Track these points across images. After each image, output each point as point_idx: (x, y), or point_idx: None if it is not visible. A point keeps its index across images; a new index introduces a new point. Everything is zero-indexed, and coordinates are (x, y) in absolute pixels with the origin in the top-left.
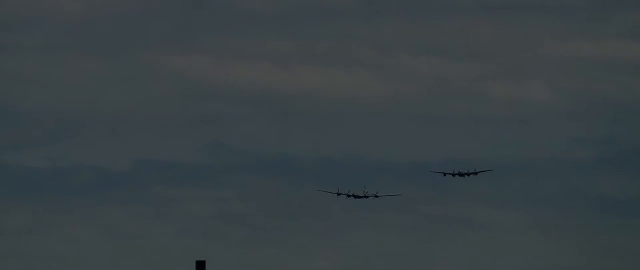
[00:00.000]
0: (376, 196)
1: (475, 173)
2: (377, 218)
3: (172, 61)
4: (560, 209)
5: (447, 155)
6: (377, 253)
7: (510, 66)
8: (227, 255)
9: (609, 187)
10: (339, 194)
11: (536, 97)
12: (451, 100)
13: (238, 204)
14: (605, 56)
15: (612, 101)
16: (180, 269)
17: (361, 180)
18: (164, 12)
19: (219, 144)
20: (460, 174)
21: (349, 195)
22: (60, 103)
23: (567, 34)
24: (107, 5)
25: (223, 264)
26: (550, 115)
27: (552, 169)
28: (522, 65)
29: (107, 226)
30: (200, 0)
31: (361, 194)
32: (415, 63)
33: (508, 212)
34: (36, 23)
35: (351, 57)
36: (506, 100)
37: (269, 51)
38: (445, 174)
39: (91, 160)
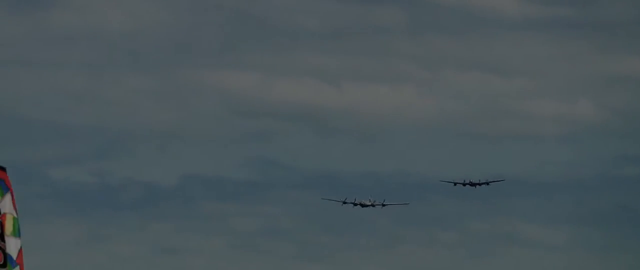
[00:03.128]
0: (384, 205)
1: (487, 183)
2: (423, 233)
3: (219, 78)
4: (606, 226)
5: (491, 171)
6: (424, 268)
7: (557, 83)
8: None
9: None
10: (344, 203)
11: (583, 115)
12: (497, 117)
13: (285, 219)
14: None
15: None
16: None
17: (405, 196)
18: (211, 29)
19: (266, 160)
20: (472, 184)
21: (355, 204)
22: (108, 119)
23: (614, 52)
24: (154, 23)
25: None
26: (596, 133)
27: (598, 186)
28: (569, 83)
29: (154, 241)
30: (246, 17)
31: (368, 203)
32: (462, 80)
33: (554, 229)
34: (85, 40)
35: (397, 74)
36: (552, 118)
37: (315, 68)
38: (455, 184)
39: (139, 176)
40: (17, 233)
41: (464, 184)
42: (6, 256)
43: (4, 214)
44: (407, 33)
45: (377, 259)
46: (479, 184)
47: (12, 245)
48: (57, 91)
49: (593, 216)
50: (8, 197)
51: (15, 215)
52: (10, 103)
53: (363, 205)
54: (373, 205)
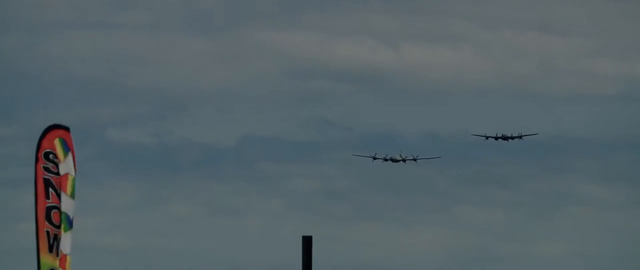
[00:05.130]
0: (415, 159)
1: (520, 137)
2: (480, 193)
3: (277, 38)
4: None
5: (551, 132)
6: (481, 228)
7: (617, 42)
8: (334, 231)
9: None
10: (375, 159)
11: None
12: (556, 77)
13: (343, 180)
14: None
15: None
16: (287, 244)
17: (464, 156)
18: None
19: (324, 121)
20: (504, 138)
21: (386, 160)
22: (166, 80)
23: None
24: None
25: (330, 239)
26: None
27: None
28: (630, 41)
29: (213, 202)
30: None
31: (399, 158)
32: (521, 40)
33: (613, 189)
34: (143, 2)
35: (456, 34)
36: (612, 77)
37: (374, 28)
38: (487, 138)
39: (197, 137)
40: (74, 194)
41: (496, 138)
42: (64, 216)
43: (65, 174)
44: None
45: (435, 218)
46: (512, 138)
47: (70, 206)
48: (117, 52)
49: None
50: (69, 157)
51: (73, 176)
52: (69, 64)
53: (394, 161)
54: (404, 160)
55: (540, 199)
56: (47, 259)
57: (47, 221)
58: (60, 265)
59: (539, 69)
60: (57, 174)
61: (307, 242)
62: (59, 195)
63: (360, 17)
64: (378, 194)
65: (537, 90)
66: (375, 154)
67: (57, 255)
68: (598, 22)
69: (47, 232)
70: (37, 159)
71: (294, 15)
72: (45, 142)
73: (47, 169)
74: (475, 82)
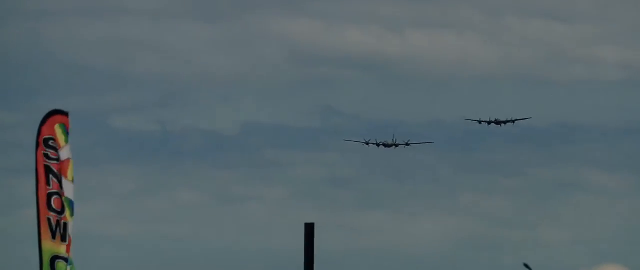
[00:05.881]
0: (407, 144)
1: (513, 121)
2: (485, 181)
3: (282, 25)
4: None
5: (556, 119)
6: (486, 216)
7: (622, 29)
8: (336, 218)
9: None
10: (367, 143)
11: None
12: (562, 64)
13: (347, 167)
14: None
15: None
16: (289, 232)
17: (470, 144)
18: None
19: (329, 108)
20: (497, 122)
21: (378, 145)
22: (170, 67)
23: None
24: None
25: (332, 226)
26: None
27: None
28: (634, 28)
29: (216, 189)
30: None
31: (391, 143)
32: (525, 27)
33: (619, 176)
34: None
35: (461, 22)
36: (617, 64)
37: (380, 15)
38: (480, 122)
39: (201, 124)
40: (73, 179)
41: (489, 123)
42: (67, 202)
43: (67, 160)
44: None
45: (439, 205)
46: (505, 123)
47: (72, 191)
48: (118, 40)
49: None
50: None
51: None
52: (72, 51)
53: (386, 146)
54: (396, 145)
55: (544, 186)
56: (49, 245)
57: (49, 208)
58: (67, 251)
59: (544, 56)
60: (57, 160)
61: (309, 229)
62: (60, 182)
63: (365, 4)
64: (381, 181)
65: (542, 77)
66: (369, 140)
67: (64, 240)
68: (603, 8)
69: (49, 219)
70: (37, 145)
71: (299, 1)
72: (45, 128)
73: (47, 156)
74: (481, 69)
